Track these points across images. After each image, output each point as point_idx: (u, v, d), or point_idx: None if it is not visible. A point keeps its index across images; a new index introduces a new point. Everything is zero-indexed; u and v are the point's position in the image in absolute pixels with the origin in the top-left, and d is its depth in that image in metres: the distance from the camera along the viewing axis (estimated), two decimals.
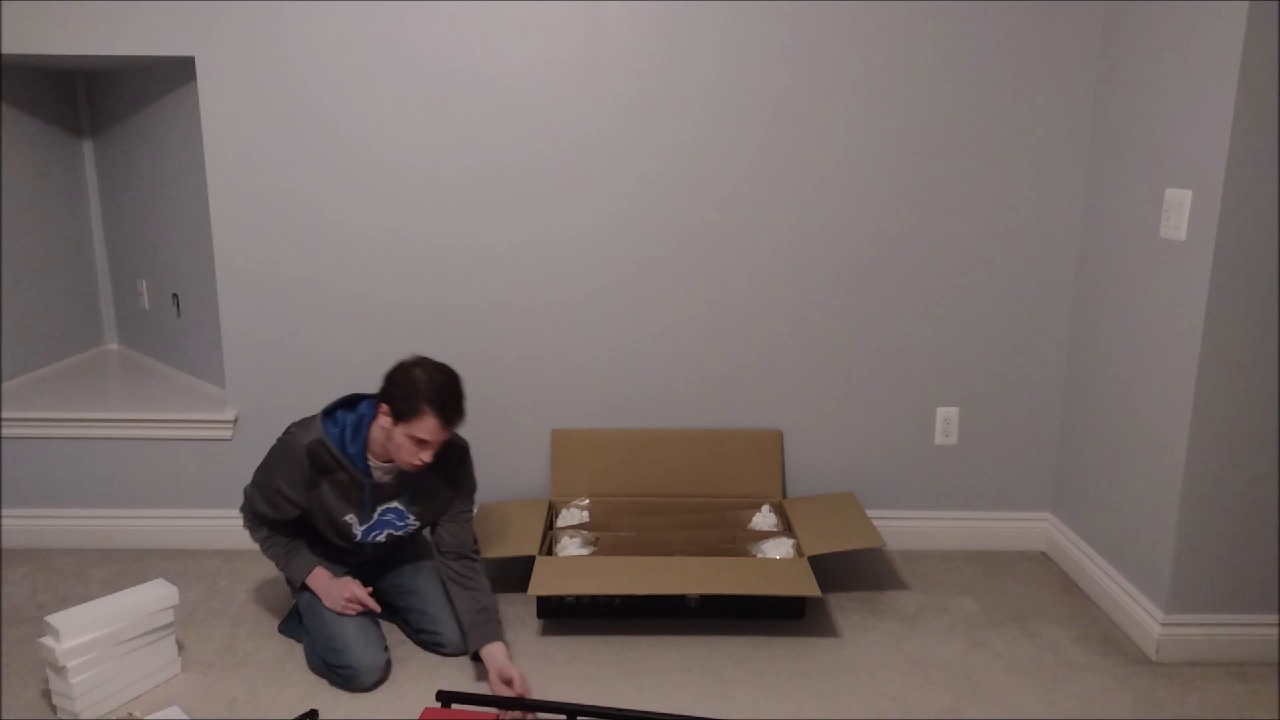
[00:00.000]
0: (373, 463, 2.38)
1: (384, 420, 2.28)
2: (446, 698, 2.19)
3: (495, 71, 2.81)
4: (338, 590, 2.41)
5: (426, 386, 2.24)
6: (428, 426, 2.24)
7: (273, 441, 3.01)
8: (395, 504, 2.45)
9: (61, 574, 2.95)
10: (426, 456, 2.28)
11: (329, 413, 2.40)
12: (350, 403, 2.43)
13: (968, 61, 2.79)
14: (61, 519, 3.11)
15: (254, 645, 2.55)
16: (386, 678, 2.38)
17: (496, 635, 2.34)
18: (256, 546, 2.49)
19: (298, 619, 2.53)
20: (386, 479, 2.41)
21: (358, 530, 2.46)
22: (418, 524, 2.51)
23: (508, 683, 2.22)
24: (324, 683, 2.38)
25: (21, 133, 3.33)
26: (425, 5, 2.76)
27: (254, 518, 2.46)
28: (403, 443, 2.26)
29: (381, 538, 2.49)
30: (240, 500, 2.49)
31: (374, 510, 2.44)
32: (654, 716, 2.13)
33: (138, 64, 3.16)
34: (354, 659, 2.32)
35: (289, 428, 2.41)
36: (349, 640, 2.34)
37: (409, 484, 2.44)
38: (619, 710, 2.17)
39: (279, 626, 2.62)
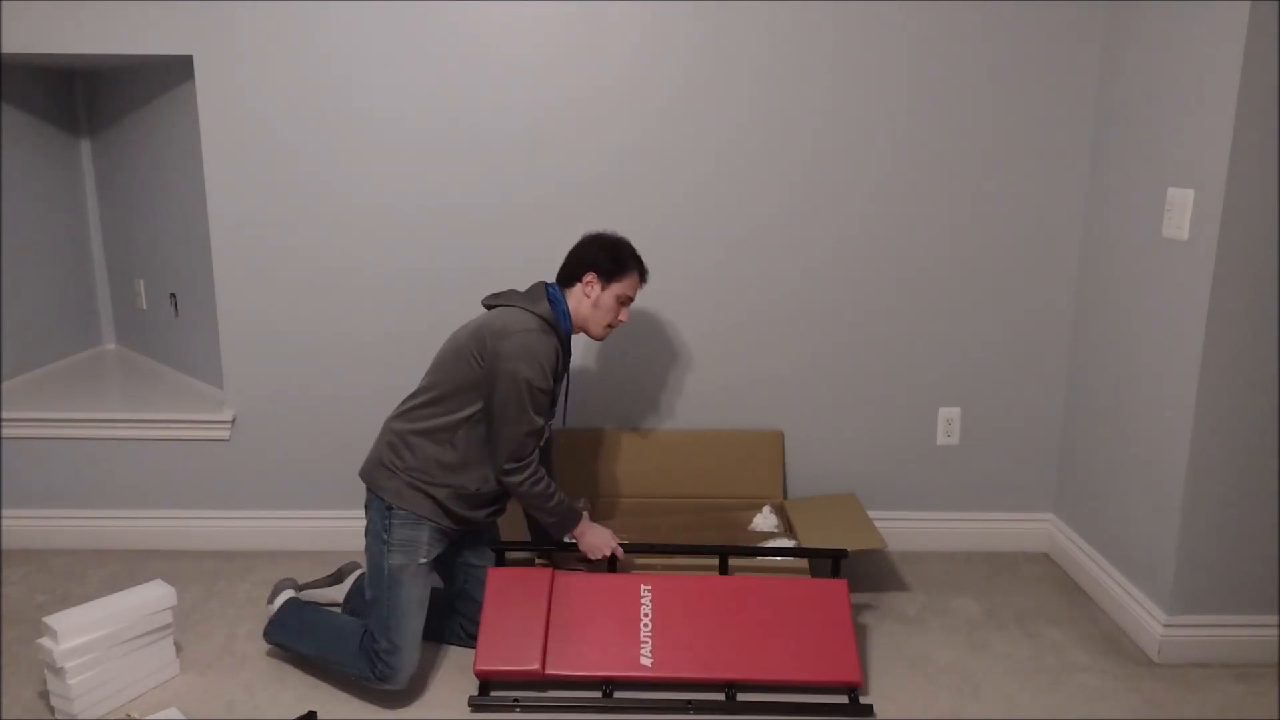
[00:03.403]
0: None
1: (590, 288, 2.44)
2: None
3: (496, 69, 2.81)
4: (606, 536, 2.48)
5: (627, 247, 2.47)
6: (632, 282, 2.48)
7: (270, 444, 3.04)
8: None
9: (59, 574, 2.94)
10: (626, 315, 2.51)
11: (537, 298, 2.42)
12: (542, 289, 2.46)
13: (969, 62, 2.79)
14: (59, 519, 3.10)
15: (252, 646, 2.54)
16: None
17: (577, 519, 2.49)
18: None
19: (292, 624, 2.46)
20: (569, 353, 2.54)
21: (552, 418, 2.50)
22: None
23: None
24: (323, 684, 2.37)
25: (19, 131, 3.32)
26: (428, 6, 2.76)
27: (530, 461, 2.36)
28: (610, 305, 2.45)
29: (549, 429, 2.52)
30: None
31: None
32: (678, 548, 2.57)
33: (136, 63, 3.15)
34: (405, 659, 2.28)
35: (507, 326, 2.33)
36: (412, 639, 2.30)
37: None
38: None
39: (266, 633, 2.49)
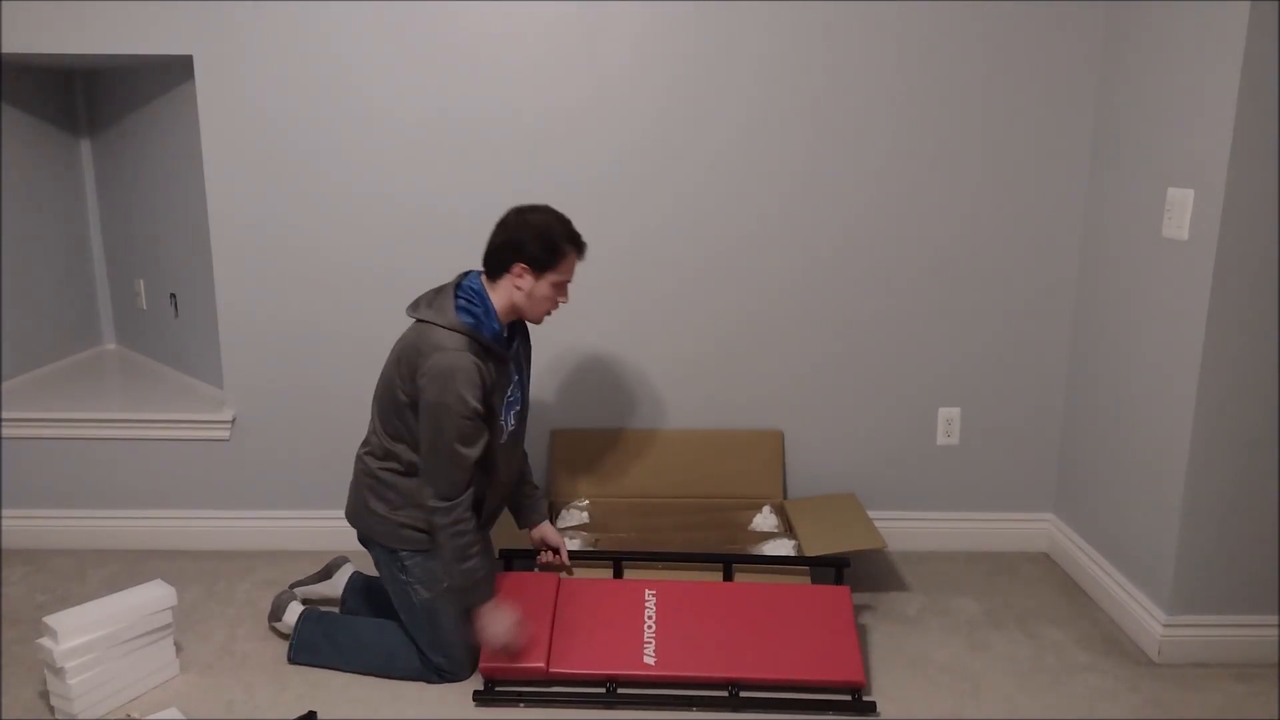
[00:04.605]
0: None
1: (522, 280, 2.23)
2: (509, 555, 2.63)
3: (496, 69, 2.81)
4: (507, 626, 2.28)
5: (559, 227, 2.24)
6: (570, 265, 2.26)
7: (270, 444, 3.04)
8: (515, 375, 2.37)
9: (59, 574, 2.94)
10: (565, 298, 2.31)
11: (443, 305, 2.23)
12: (457, 286, 2.27)
13: (969, 62, 2.79)
14: (59, 519, 3.10)
15: (252, 646, 2.54)
16: None
17: (543, 516, 2.61)
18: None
19: (325, 647, 2.44)
20: (511, 348, 2.35)
21: (504, 419, 2.32)
22: (522, 398, 2.42)
23: (554, 550, 2.57)
24: (322, 684, 2.38)
25: (19, 131, 3.31)
26: (428, 6, 2.75)
27: (460, 502, 2.20)
28: (545, 293, 2.26)
29: (512, 423, 2.37)
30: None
31: (516, 385, 2.36)
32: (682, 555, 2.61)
33: (135, 63, 3.15)
34: (463, 663, 2.39)
35: (420, 348, 2.18)
36: (463, 647, 2.38)
37: (516, 351, 2.39)
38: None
39: (293, 657, 2.46)
